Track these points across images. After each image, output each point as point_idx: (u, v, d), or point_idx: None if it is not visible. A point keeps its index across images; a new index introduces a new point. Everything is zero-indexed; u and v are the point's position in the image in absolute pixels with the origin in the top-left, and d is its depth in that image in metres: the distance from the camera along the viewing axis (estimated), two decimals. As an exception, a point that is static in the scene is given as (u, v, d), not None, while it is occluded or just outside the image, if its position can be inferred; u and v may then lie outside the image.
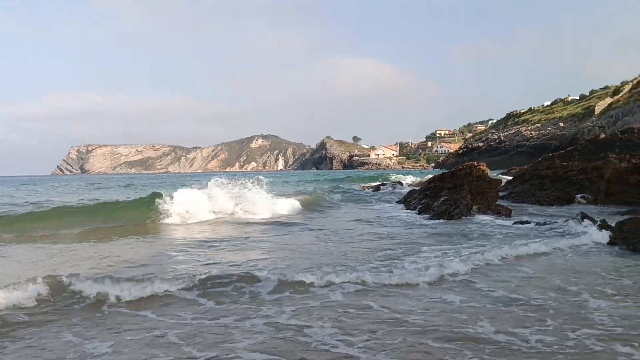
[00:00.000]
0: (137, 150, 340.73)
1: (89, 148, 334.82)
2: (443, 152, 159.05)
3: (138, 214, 13.85)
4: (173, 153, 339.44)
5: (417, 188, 20.85)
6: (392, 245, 8.87)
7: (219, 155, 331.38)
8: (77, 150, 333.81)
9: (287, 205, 16.80)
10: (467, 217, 13.26)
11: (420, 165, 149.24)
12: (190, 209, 13.98)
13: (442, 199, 15.26)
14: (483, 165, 17.03)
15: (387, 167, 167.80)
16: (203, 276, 6.03)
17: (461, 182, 15.70)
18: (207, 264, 7.32)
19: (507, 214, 14.02)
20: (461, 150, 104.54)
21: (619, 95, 71.69)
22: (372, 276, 6.19)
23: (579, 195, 17.45)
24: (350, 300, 5.40)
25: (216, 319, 4.79)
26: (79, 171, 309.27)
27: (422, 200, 16.96)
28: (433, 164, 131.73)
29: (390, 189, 27.49)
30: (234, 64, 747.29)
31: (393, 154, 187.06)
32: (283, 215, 15.46)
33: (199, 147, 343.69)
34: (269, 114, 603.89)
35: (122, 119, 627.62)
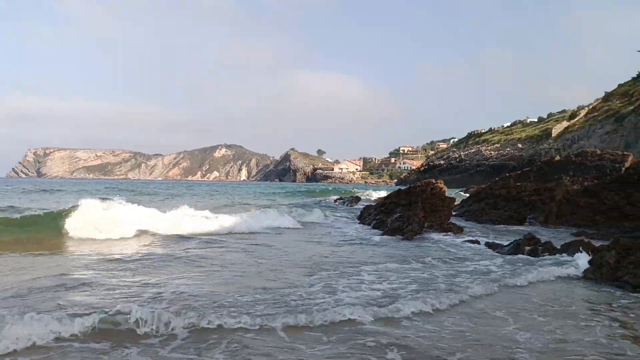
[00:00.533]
0: (96, 155, 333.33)
1: (47, 151, 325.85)
2: (406, 168, 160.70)
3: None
4: (133, 159, 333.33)
5: (372, 204, 20.73)
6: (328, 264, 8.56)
7: (180, 164, 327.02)
8: (35, 153, 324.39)
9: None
10: (420, 235, 13.13)
11: (383, 181, 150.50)
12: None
13: (395, 216, 15.17)
14: (440, 183, 17.05)
15: (350, 181, 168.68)
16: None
17: (415, 199, 15.64)
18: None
19: (458, 232, 14.00)
20: (423, 168, 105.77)
21: (576, 119, 74.00)
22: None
23: (530, 216, 17.62)
24: None
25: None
26: (35, 174, 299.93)
27: (377, 216, 16.85)
28: (395, 180, 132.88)
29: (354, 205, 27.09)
30: (200, 73, 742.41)
31: (357, 169, 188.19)
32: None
33: (161, 155, 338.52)
34: (233, 124, 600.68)
35: (82, 124, 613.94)
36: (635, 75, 71.00)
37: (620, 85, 72.23)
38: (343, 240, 12.22)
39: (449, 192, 42.04)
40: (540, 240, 10.25)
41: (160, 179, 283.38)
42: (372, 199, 29.37)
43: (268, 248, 10.57)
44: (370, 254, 9.93)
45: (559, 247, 9.65)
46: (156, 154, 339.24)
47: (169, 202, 26.07)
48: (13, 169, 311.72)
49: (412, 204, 15.54)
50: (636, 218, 14.85)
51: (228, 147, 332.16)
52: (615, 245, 8.01)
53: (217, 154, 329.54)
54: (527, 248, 9.82)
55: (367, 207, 19.73)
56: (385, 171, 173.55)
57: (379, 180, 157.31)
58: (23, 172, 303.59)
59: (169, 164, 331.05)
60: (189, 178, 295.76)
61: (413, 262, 8.80)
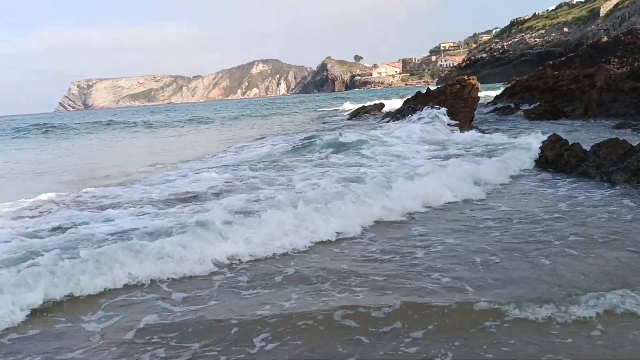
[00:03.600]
0: (138, 82, 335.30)
1: (90, 83, 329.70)
2: (447, 65, 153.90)
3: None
4: (175, 83, 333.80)
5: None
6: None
7: (220, 84, 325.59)
8: (78, 86, 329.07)
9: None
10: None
11: (424, 81, 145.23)
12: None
13: (411, 123, 13.74)
14: (472, 80, 15.31)
15: (390, 85, 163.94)
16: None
17: (432, 103, 14.08)
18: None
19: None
20: (464, 63, 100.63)
21: (626, -7, 67.34)
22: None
23: (567, 109, 15.76)
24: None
25: None
26: (82, 107, 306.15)
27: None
28: (437, 79, 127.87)
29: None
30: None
31: (396, 72, 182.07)
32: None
33: (200, 76, 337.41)
34: (268, 39, 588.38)
35: (120, 52, 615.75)
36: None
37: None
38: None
39: (490, 87, 39.58)
40: (567, 141, 8.55)
41: (202, 100, 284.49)
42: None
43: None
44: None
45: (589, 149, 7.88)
46: (196, 76, 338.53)
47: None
48: (60, 102, 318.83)
49: (428, 109, 14.03)
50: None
51: (264, 62, 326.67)
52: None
53: (255, 70, 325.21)
54: (550, 154, 8.19)
55: (386, 115, 18.28)
56: (426, 71, 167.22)
57: (419, 81, 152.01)
58: (70, 106, 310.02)
59: (209, 85, 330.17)
60: (230, 97, 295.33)
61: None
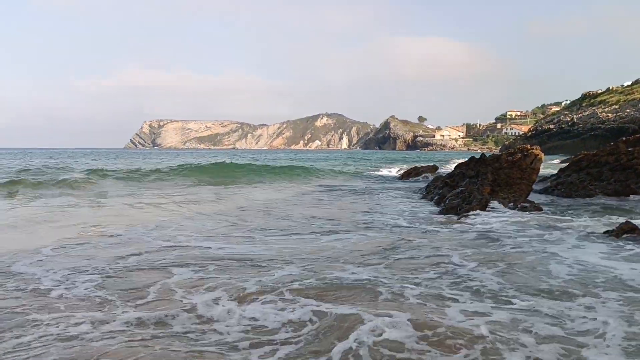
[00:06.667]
0: (206, 126, 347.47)
1: (161, 123, 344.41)
2: (513, 134, 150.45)
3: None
4: (240, 129, 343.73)
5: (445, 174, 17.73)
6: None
7: (284, 133, 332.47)
8: (150, 125, 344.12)
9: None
10: (478, 213, 10.19)
11: (487, 148, 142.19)
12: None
13: (457, 190, 12.33)
14: (537, 149, 13.81)
15: (452, 148, 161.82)
16: None
17: (484, 170, 12.64)
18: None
19: (535, 211, 10.85)
20: (530, 133, 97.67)
21: None
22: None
23: (642, 190, 13.89)
24: None
25: None
26: (151, 145, 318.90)
27: (441, 189, 14.03)
28: (500, 147, 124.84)
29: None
30: (298, 41, 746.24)
31: (459, 135, 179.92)
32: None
33: (265, 125, 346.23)
34: (333, 93, 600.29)
35: (192, 96, 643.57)
36: None
37: None
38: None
39: (555, 160, 36.89)
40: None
41: (265, 148, 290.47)
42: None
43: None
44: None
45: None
46: (261, 124, 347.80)
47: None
48: (131, 140, 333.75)
49: (479, 176, 12.60)
50: None
51: (329, 116, 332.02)
52: None
53: (319, 123, 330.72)
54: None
55: (436, 179, 16.86)
56: (490, 137, 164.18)
57: (482, 147, 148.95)
58: (140, 143, 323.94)
59: (273, 133, 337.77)
60: (292, 147, 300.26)
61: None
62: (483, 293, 4.68)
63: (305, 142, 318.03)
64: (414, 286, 4.89)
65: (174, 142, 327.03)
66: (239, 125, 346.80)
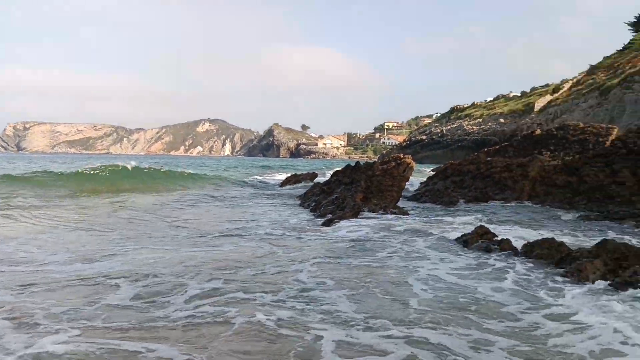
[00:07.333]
0: (77, 129, 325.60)
1: (27, 125, 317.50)
2: (390, 144, 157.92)
3: None
4: (115, 133, 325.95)
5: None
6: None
7: (163, 138, 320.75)
8: (14, 127, 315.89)
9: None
10: (355, 218, 10.39)
11: (367, 157, 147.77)
12: None
13: (334, 197, 12.50)
14: (408, 158, 14.36)
15: (334, 156, 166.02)
16: None
17: (359, 178, 12.95)
18: None
19: (402, 214, 11.29)
20: (405, 143, 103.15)
21: (559, 92, 71.23)
22: None
23: (498, 197, 15.03)
24: None
25: None
26: (15, 149, 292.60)
27: (318, 196, 14.17)
28: (378, 156, 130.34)
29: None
30: (182, 46, 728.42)
31: (341, 144, 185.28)
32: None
33: (143, 129, 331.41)
34: (216, 99, 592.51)
35: (61, 97, 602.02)
36: (620, 48, 68.21)
37: (605, 58, 69.39)
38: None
39: (426, 168, 38.91)
40: (496, 235, 7.57)
41: (142, 153, 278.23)
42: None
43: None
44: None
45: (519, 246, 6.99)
46: (138, 128, 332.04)
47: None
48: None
49: (354, 183, 12.88)
50: (624, 200, 12.26)
51: (211, 121, 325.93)
52: (601, 251, 5.37)
53: (200, 128, 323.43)
54: (475, 245, 7.15)
55: (314, 186, 17.05)
56: (370, 146, 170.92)
57: (362, 155, 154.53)
58: (2, 147, 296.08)
59: (151, 138, 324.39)
60: (172, 153, 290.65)
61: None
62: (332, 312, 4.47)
63: (187, 148, 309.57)
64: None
65: (41, 146, 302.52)
66: (113, 129, 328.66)
